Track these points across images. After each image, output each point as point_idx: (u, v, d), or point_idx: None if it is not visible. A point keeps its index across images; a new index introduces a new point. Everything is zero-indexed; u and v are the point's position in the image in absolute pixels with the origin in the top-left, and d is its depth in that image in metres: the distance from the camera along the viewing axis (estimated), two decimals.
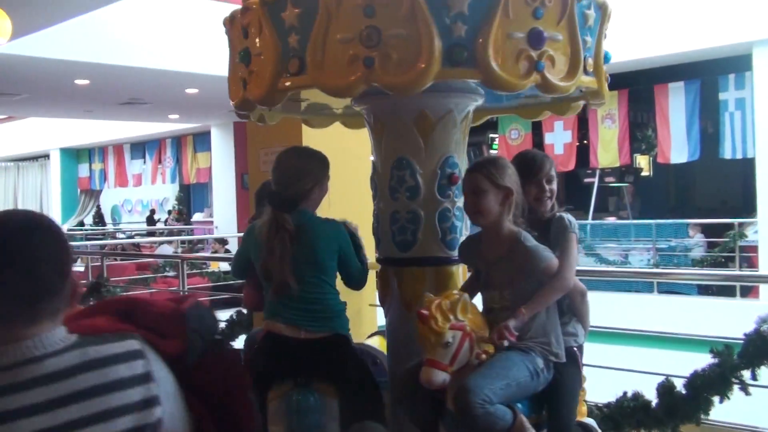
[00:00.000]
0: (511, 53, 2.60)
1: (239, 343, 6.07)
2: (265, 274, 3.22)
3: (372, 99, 3.09)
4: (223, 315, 6.29)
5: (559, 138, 13.93)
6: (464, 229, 3.17)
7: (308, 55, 2.65)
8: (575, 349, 2.94)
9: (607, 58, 2.99)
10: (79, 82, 12.04)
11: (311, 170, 3.26)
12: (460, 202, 3.09)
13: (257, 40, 2.83)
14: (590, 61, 2.84)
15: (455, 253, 3.11)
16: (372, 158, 3.31)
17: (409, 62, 2.55)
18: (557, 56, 2.68)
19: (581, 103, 3.28)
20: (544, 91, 2.74)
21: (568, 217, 2.92)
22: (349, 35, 2.59)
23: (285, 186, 3.22)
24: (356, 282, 3.31)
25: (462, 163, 3.14)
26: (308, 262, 3.14)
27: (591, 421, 3.21)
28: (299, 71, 2.69)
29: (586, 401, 3.30)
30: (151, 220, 22.88)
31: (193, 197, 23.16)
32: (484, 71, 2.57)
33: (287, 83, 2.76)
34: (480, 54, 2.55)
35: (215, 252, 15.01)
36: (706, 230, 13.09)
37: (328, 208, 4.22)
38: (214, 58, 10.88)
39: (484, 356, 2.72)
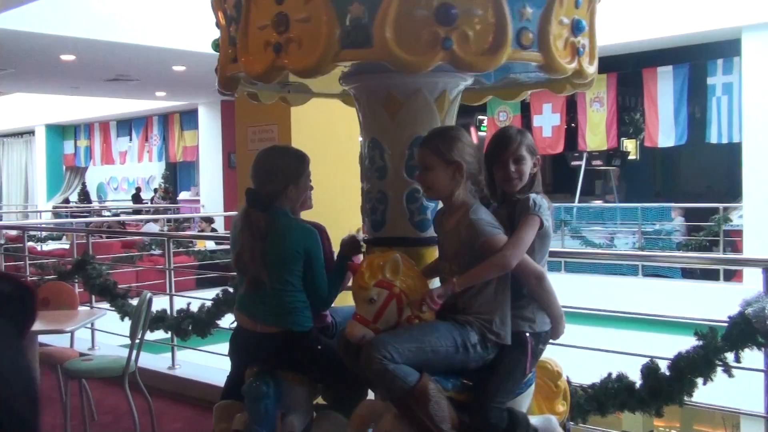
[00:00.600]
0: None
1: (225, 322, 6.08)
2: (237, 265, 3.29)
3: (354, 79, 3.10)
4: (209, 294, 6.30)
5: (547, 120, 13.95)
6: (434, 210, 3.12)
7: (238, 42, 2.84)
8: (527, 335, 2.83)
9: (579, 28, 2.84)
10: (65, 57, 11.93)
11: (285, 169, 3.27)
12: None
13: (219, 30, 3.07)
14: (530, 35, 2.67)
15: (426, 234, 3.09)
16: (363, 137, 3.30)
17: (312, 47, 2.60)
18: (472, 31, 2.59)
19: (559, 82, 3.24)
20: (458, 69, 2.70)
21: (534, 197, 2.79)
22: (264, 22, 2.71)
23: (260, 184, 3.25)
24: (318, 296, 3.24)
25: None
26: (273, 260, 3.17)
27: (553, 421, 3.02)
28: (235, 59, 2.90)
29: (565, 399, 3.19)
30: (137, 198, 22.79)
31: (179, 176, 23.09)
32: (381, 50, 2.56)
33: (233, 71, 2.98)
34: (377, 33, 2.54)
35: (202, 231, 14.97)
36: (691, 214, 13.16)
37: (318, 192, 4.21)
38: (201, 36, 10.85)
39: (416, 321, 2.74)
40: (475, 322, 2.75)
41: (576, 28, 2.81)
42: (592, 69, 3.02)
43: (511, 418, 2.78)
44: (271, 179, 3.23)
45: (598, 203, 15.67)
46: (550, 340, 2.97)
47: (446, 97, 3.09)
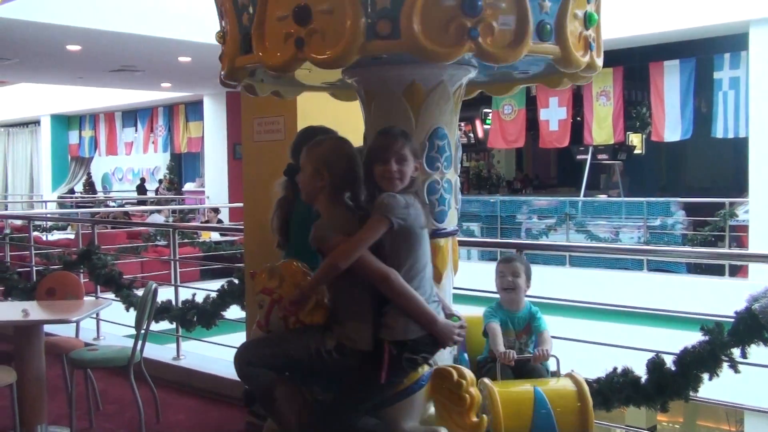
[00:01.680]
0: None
1: (230, 313, 6.09)
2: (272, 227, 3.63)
3: (362, 70, 3.08)
4: (214, 285, 6.30)
5: (554, 114, 13.92)
6: (454, 201, 3.14)
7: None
8: (387, 343, 2.73)
9: (591, 21, 2.89)
10: (70, 47, 11.92)
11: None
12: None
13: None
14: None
15: (443, 226, 3.10)
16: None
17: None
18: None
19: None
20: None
21: (385, 197, 2.73)
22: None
23: (295, 157, 3.34)
24: None
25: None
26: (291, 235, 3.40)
27: None
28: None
29: (482, 410, 2.98)
30: (141, 189, 22.81)
31: (184, 167, 23.09)
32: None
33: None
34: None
35: (208, 221, 14.98)
36: (697, 209, 13.12)
37: None
38: (207, 27, 10.84)
39: (298, 326, 2.88)
40: (335, 327, 2.83)
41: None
42: (600, 62, 3.05)
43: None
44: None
45: (603, 197, 15.64)
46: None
47: (461, 89, 3.13)
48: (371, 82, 3.15)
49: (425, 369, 2.89)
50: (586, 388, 3.12)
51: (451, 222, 3.13)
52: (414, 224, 2.76)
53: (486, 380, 3.14)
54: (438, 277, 3.06)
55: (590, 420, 3.05)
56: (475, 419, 2.84)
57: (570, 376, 3.22)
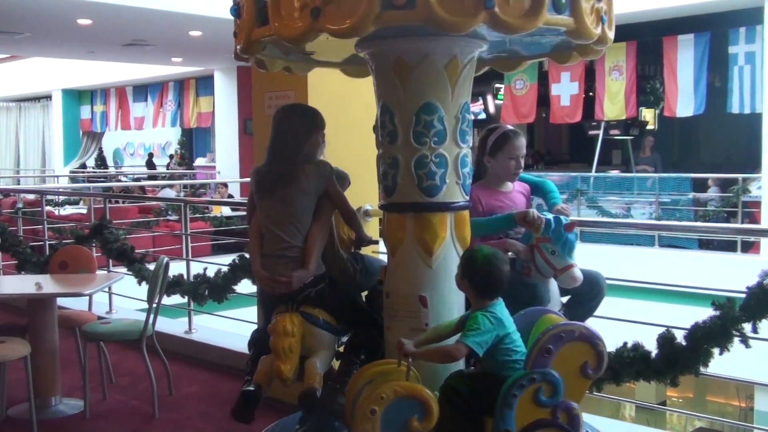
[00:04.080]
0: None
1: (241, 287, 6.12)
2: None
3: (368, 44, 3.08)
4: (225, 260, 6.32)
5: (565, 89, 13.82)
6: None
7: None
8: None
9: None
10: (81, 21, 11.90)
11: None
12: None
13: None
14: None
15: (435, 200, 3.10)
16: (378, 104, 3.29)
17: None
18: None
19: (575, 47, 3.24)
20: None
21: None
22: None
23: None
24: None
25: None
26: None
27: None
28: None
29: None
30: (150, 164, 22.84)
31: (195, 142, 23.09)
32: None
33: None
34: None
35: (221, 196, 15.00)
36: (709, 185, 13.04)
37: (333, 159, 4.20)
38: (219, 1, 10.80)
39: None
40: None
41: None
42: (611, 35, 3.03)
43: None
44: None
45: (615, 173, 15.56)
46: None
47: (457, 64, 3.06)
48: (374, 56, 3.15)
49: None
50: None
51: (448, 196, 3.10)
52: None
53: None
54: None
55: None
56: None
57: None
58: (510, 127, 3.70)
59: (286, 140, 3.42)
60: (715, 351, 3.61)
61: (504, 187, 3.65)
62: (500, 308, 2.92)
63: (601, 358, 2.83)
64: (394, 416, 2.83)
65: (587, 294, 3.47)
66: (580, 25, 2.75)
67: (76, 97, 23.99)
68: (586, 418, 3.42)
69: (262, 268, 3.40)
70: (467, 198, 3.21)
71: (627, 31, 11.58)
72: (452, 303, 3.15)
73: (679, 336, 3.74)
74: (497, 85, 16.86)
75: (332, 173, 3.44)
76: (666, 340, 3.75)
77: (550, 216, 3.32)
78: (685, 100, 12.46)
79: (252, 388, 3.30)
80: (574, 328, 2.84)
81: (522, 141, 3.59)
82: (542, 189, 3.76)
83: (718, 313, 3.62)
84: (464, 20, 2.57)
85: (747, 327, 3.55)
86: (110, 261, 7.44)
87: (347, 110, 4.58)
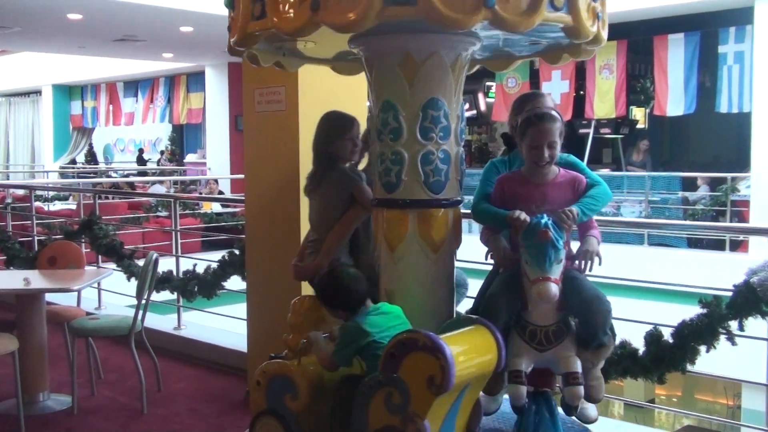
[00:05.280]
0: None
1: (231, 284, 6.12)
2: None
3: (364, 40, 3.07)
4: (215, 256, 6.32)
5: (556, 87, 13.84)
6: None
7: None
8: None
9: None
10: (71, 16, 11.85)
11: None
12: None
13: None
14: None
15: (439, 196, 3.10)
16: (371, 100, 3.28)
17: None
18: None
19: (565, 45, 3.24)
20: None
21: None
22: None
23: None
24: None
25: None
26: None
27: None
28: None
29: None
30: (140, 160, 22.78)
31: (186, 138, 23.04)
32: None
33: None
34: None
35: (211, 192, 14.98)
36: (697, 184, 13.09)
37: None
38: None
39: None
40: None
41: None
42: (604, 35, 3.04)
43: None
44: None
45: (605, 171, 15.60)
46: None
47: (460, 61, 3.08)
48: (371, 52, 3.13)
49: None
50: None
51: (449, 193, 3.12)
52: None
53: None
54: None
55: None
56: None
57: None
58: (548, 102, 3.35)
59: (315, 146, 3.74)
60: (702, 349, 3.63)
61: (538, 177, 3.12)
62: (365, 317, 2.97)
63: (445, 374, 2.57)
64: (275, 390, 3.09)
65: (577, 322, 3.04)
66: (578, 23, 2.76)
67: (66, 92, 23.88)
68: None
69: (298, 256, 3.78)
70: (461, 196, 3.22)
71: (618, 30, 11.60)
72: (449, 295, 3.17)
73: (667, 334, 3.76)
74: (488, 84, 16.88)
75: (356, 181, 3.63)
76: (653, 337, 3.78)
77: (536, 219, 2.92)
78: (675, 99, 12.49)
79: None
80: (418, 338, 2.68)
81: (549, 126, 3.03)
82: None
83: (705, 311, 3.64)
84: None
85: (734, 325, 3.58)
86: (99, 257, 7.42)
87: (337, 106, 4.56)
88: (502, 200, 3.13)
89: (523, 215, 2.93)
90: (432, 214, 3.10)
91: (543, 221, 2.88)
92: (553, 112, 3.09)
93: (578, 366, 2.93)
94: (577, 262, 3.07)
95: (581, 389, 2.91)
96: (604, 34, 3.02)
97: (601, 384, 3.07)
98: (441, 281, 3.15)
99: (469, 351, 2.84)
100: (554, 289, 2.82)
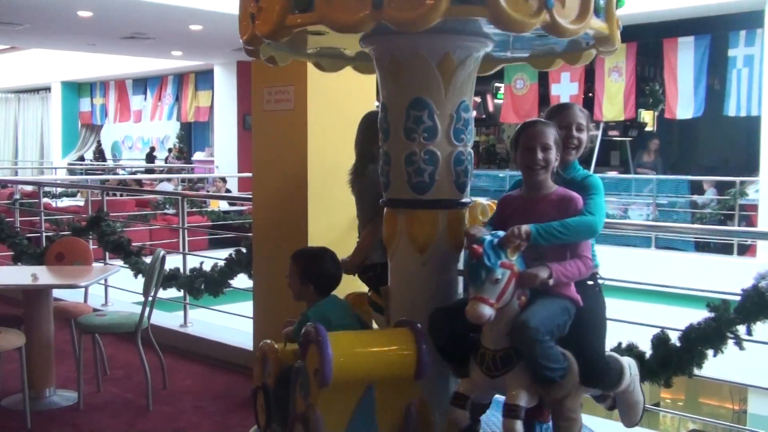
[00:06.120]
0: None
1: (237, 282, 6.13)
2: None
3: (389, 38, 3.04)
4: (222, 254, 6.33)
5: (565, 89, 13.81)
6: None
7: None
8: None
9: (620, 3, 2.94)
10: (82, 13, 11.88)
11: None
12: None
13: None
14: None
15: (424, 197, 3.09)
16: (379, 101, 3.28)
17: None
18: None
19: (593, 51, 3.24)
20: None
21: None
22: None
23: None
24: None
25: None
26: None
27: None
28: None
29: None
30: (150, 158, 22.82)
31: (194, 136, 23.07)
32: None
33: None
34: None
35: (218, 191, 15.00)
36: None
37: (333, 153, 4.19)
38: None
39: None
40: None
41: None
42: (577, 26, 2.84)
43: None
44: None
45: (613, 174, 15.57)
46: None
47: (451, 61, 3.01)
48: (400, 50, 3.05)
49: None
50: None
51: (438, 194, 3.11)
52: None
53: None
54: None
55: None
56: None
57: None
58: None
59: (356, 144, 3.89)
60: (709, 353, 3.62)
61: (532, 191, 2.96)
62: (328, 305, 3.23)
63: (323, 367, 2.65)
64: (263, 367, 3.37)
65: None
66: (611, 31, 2.87)
67: (75, 89, 23.94)
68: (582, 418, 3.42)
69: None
70: (465, 197, 3.19)
71: (627, 33, 11.46)
72: (441, 299, 3.12)
73: (674, 337, 3.75)
74: (497, 85, 16.85)
75: None
76: (660, 340, 3.77)
77: (481, 236, 2.78)
78: (685, 102, 12.46)
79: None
80: (312, 330, 2.77)
81: (542, 128, 2.92)
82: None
83: (712, 314, 3.63)
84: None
85: (741, 329, 3.56)
86: (107, 253, 7.44)
87: (347, 107, 4.57)
88: (501, 219, 3.01)
89: (474, 230, 2.85)
90: (416, 215, 3.10)
91: (484, 238, 2.75)
92: (549, 123, 2.99)
93: (522, 399, 2.71)
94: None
95: (516, 424, 2.68)
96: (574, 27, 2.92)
97: (573, 426, 2.82)
98: (429, 283, 3.12)
99: (368, 351, 2.93)
100: (481, 309, 2.65)
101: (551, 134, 2.90)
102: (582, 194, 2.91)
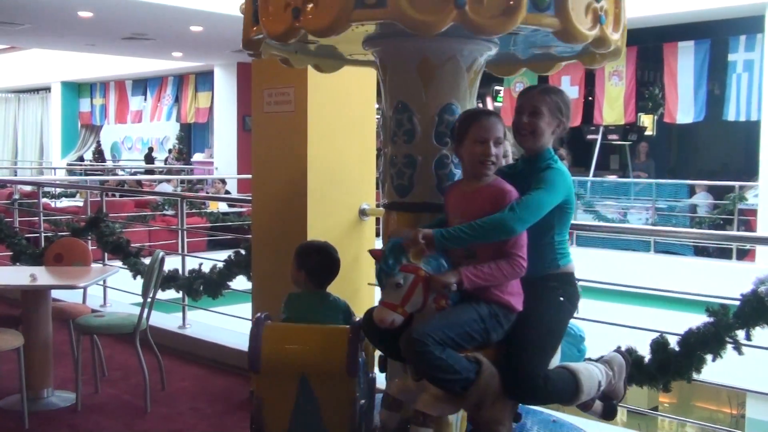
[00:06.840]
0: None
1: (236, 284, 6.12)
2: None
3: (379, 42, 3.07)
4: (221, 256, 6.32)
5: None
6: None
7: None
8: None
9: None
10: (82, 14, 11.89)
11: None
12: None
13: None
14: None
15: (403, 200, 3.11)
16: (379, 103, 3.29)
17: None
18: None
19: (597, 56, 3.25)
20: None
21: None
22: None
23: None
24: None
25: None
26: None
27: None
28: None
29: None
30: (149, 159, 22.82)
31: (194, 137, 23.06)
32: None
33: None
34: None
35: (217, 192, 15.00)
36: (707, 192, 13.06)
37: (332, 154, 4.20)
38: None
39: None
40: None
41: None
42: (616, 37, 2.92)
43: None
44: None
45: (612, 178, 15.58)
46: None
47: (475, 66, 3.09)
48: (386, 54, 3.14)
49: None
50: None
51: (418, 197, 3.11)
52: None
53: None
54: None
55: None
56: None
57: None
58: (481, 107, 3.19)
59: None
60: (708, 357, 3.62)
61: (469, 183, 2.83)
62: (295, 298, 3.44)
63: (252, 353, 3.08)
64: None
65: None
66: (567, 24, 2.62)
67: (75, 89, 23.93)
68: (579, 421, 3.43)
69: None
70: None
71: (627, 37, 11.56)
72: None
73: (673, 342, 3.75)
74: (497, 88, 16.86)
75: None
76: (659, 345, 3.76)
77: (393, 240, 2.73)
78: (685, 106, 12.48)
79: None
80: (258, 318, 3.23)
81: (493, 121, 2.76)
82: None
83: (711, 319, 3.63)
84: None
85: (740, 334, 3.56)
86: (105, 254, 7.43)
87: (346, 107, 4.58)
88: (446, 211, 2.92)
89: (402, 231, 2.78)
90: (396, 217, 3.18)
91: (391, 241, 2.68)
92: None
93: (428, 407, 2.65)
94: None
95: None
96: (615, 36, 2.92)
97: None
98: None
99: (297, 344, 3.15)
100: (383, 314, 2.58)
101: (502, 128, 2.79)
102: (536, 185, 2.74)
